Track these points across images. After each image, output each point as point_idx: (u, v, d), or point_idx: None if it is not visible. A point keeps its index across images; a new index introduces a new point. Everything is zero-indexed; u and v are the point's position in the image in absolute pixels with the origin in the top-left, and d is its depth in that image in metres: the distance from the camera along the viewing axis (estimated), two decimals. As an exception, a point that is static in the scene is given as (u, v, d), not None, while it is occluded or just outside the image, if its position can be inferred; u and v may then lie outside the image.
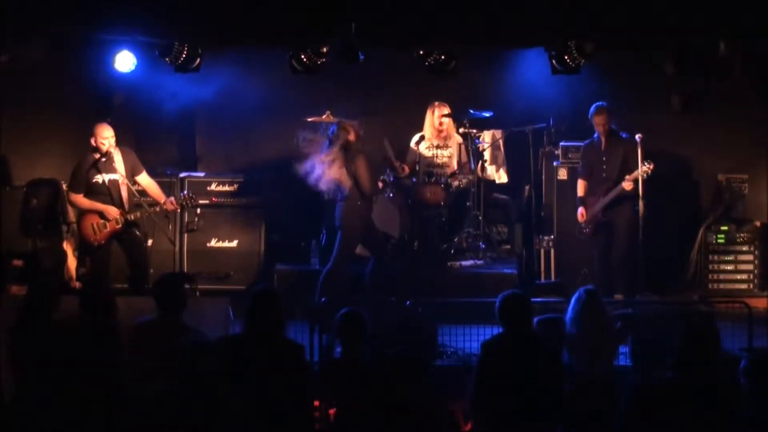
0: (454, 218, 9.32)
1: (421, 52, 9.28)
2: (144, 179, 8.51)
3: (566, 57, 9.16)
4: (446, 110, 9.22)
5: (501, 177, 9.62)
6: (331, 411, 5.55)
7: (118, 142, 8.37)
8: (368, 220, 8.38)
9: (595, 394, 5.63)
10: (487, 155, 9.31)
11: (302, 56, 9.23)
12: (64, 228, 9.09)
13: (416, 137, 9.25)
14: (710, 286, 9.27)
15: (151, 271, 8.46)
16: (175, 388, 4.81)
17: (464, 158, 9.25)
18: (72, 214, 8.95)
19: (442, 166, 9.30)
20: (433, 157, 9.30)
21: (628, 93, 9.41)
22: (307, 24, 8.36)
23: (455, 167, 9.23)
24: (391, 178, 8.87)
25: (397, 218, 9.24)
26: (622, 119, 8.97)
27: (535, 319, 6.03)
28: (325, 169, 8.22)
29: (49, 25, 8.45)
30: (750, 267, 9.27)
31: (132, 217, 8.25)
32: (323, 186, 8.34)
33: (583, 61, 9.12)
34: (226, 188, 9.61)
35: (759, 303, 8.46)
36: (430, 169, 9.27)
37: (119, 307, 6.04)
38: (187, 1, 8.40)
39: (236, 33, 8.87)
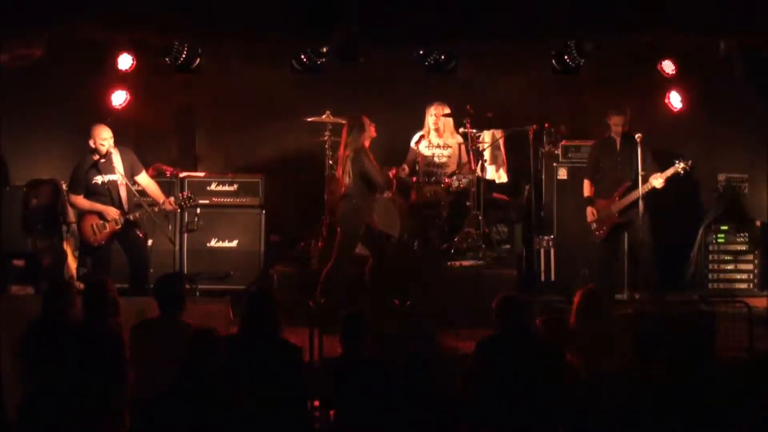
0: (454, 218, 9.32)
1: (421, 52, 9.30)
2: (143, 179, 8.50)
3: (566, 57, 9.18)
4: (446, 110, 9.22)
5: (501, 177, 9.61)
6: (332, 411, 5.55)
7: (118, 142, 8.37)
8: (370, 219, 8.37)
9: (596, 394, 5.63)
10: (487, 155, 9.30)
11: (302, 56, 9.25)
12: (64, 228, 9.09)
13: (416, 137, 9.25)
14: (710, 286, 9.26)
15: (151, 271, 8.46)
16: (176, 388, 4.80)
17: (464, 158, 9.25)
18: (72, 215, 8.95)
19: (442, 166, 9.29)
20: (432, 156, 9.30)
21: (628, 93, 9.40)
22: (307, 24, 8.36)
23: (455, 167, 9.23)
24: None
25: (397, 218, 9.24)
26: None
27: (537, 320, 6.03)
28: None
29: (49, 25, 8.45)
30: (750, 267, 9.26)
31: (132, 217, 8.25)
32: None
33: (583, 61, 9.14)
34: (226, 188, 9.61)
35: (759, 303, 8.44)
36: (430, 169, 9.26)
37: (121, 308, 6.05)
38: (187, 1, 8.40)
39: (236, 33, 8.88)
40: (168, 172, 9.30)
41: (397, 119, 9.63)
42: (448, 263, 8.99)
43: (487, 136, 9.40)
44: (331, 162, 9.22)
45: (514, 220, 9.81)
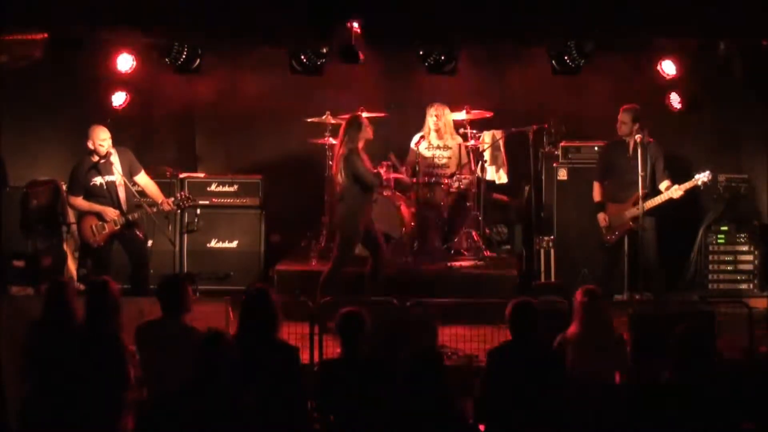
0: (454, 218, 9.32)
1: (421, 52, 9.30)
2: (142, 179, 8.49)
3: (566, 57, 9.18)
4: (446, 110, 9.22)
5: (501, 177, 9.61)
6: (331, 411, 5.54)
7: (118, 143, 8.37)
8: (368, 221, 8.36)
9: (597, 395, 5.63)
10: (487, 155, 9.30)
11: (302, 56, 9.25)
12: (64, 229, 9.09)
13: (416, 137, 9.25)
14: (710, 286, 9.25)
15: (151, 271, 8.47)
16: (186, 389, 4.80)
17: (464, 159, 9.25)
18: (72, 216, 8.95)
19: (442, 166, 9.29)
20: (433, 157, 9.30)
21: (628, 93, 9.40)
22: (307, 24, 8.36)
23: (455, 168, 9.23)
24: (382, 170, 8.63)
25: (397, 218, 9.24)
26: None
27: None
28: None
29: (50, 24, 8.45)
30: (750, 267, 9.25)
31: (131, 217, 8.25)
32: None
33: (583, 61, 9.14)
34: (226, 188, 9.61)
35: (759, 303, 8.45)
36: (430, 169, 9.26)
37: (122, 308, 6.04)
38: (187, 1, 8.41)
39: (236, 33, 8.88)
40: (168, 173, 9.30)
41: (397, 119, 9.63)
42: (448, 263, 8.99)
43: (487, 136, 9.40)
44: (330, 162, 9.22)
45: (514, 221, 9.81)
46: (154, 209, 8.33)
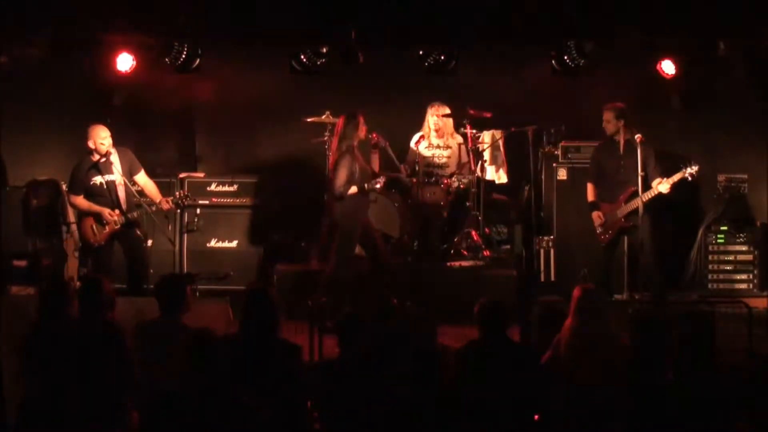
0: (454, 218, 9.32)
1: (421, 52, 9.30)
2: (141, 178, 8.49)
3: (566, 57, 9.18)
4: (446, 110, 9.22)
5: (501, 177, 9.61)
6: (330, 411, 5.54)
7: (118, 142, 8.37)
8: (365, 220, 8.35)
9: (597, 395, 5.63)
10: (487, 155, 9.30)
11: (302, 56, 9.25)
12: (64, 228, 9.09)
13: (416, 137, 9.25)
14: (710, 286, 9.25)
15: (151, 271, 8.47)
16: (177, 389, 4.80)
17: (464, 158, 9.25)
18: (72, 215, 8.95)
19: (442, 166, 9.29)
20: (432, 157, 9.30)
21: (628, 93, 9.40)
22: (307, 24, 8.37)
23: (455, 167, 9.23)
24: (377, 186, 8.60)
25: (397, 218, 9.24)
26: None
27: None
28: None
29: (50, 25, 8.45)
30: (750, 267, 9.26)
31: (131, 216, 8.25)
32: None
33: (583, 61, 9.14)
34: (226, 188, 9.61)
35: (759, 303, 8.45)
36: (429, 169, 9.26)
37: (120, 308, 6.04)
38: (187, 1, 8.41)
39: (236, 33, 8.88)
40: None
41: (397, 119, 9.64)
42: (448, 263, 8.99)
43: (487, 136, 9.40)
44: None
45: (514, 221, 9.81)
46: (153, 208, 8.33)
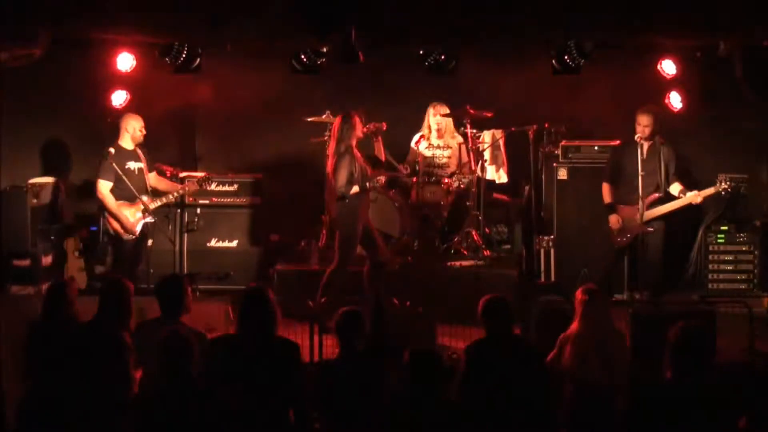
0: (454, 218, 9.32)
1: (421, 52, 9.30)
2: (153, 177, 8.68)
3: (566, 57, 9.18)
4: (445, 110, 9.22)
5: (501, 177, 9.61)
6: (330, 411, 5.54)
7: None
8: (365, 219, 8.35)
9: (598, 395, 5.63)
10: (487, 155, 9.30)
11: (302, 56, 9.25)
12: (64, 228, 9.10)
13: (416, 137, 9.26)
14: (710, 286, 9.26)
15: (152, 271, 8.48)
16: (169, 387, 4.81)
17: (464, 158, 9.25)
18: (70, 216, 8.97)
19: (442, 166, 9.30)
20: (433, 157, 9.31)
21: (628, 93, 9.40)
22: (307, 24, 8.36)
23: (455, 167, 9.23)
24: (378, 183, 8.53)
25: (397, 218, 9.24)
26: (621, 119, 8.96)
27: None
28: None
29: (50, 25, 8.44)
30: (750, 267, 9.26)
31: (159, 202, 8.49)
32: None
33: (583, 61, 9.14)
34: (226, 188, 9.62)
35: (759, 303, 8.45)
36: (430, 169, 9.27)
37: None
38: (187, 1, 8.40)
39: (236, 33, 8.88)
40: (168, 172, 9.31)
41: (397, 119, 9.63)
42: (448, 263, 8.99)
43: (487, 136, 9.40)
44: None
45: (514, 221, 9.81)
46: (176, 195, 8.68)
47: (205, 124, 10.50)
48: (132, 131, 8.41)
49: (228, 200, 9.60)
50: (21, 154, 9.61)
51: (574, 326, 5.91)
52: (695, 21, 8.21)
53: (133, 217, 8.31)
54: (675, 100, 9.50)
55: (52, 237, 8.95)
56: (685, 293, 9.15)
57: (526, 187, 9.63)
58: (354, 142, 8.15)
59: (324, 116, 9.28)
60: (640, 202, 8.23)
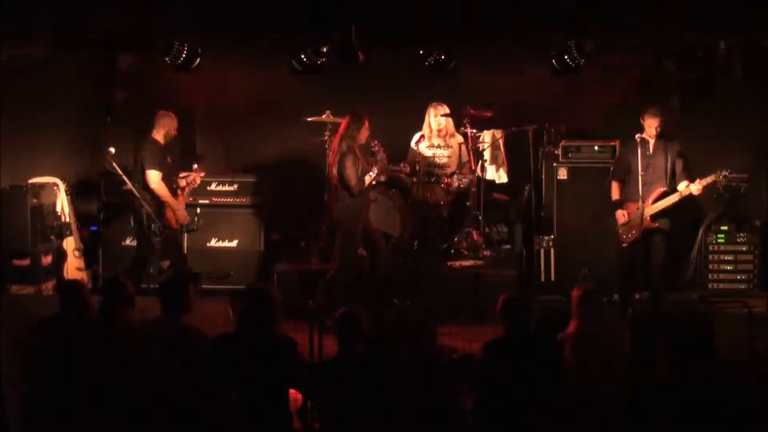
0: (454, 218, 9.32)
1: (421, 52, 9.31)
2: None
3: (566, 57, 9.18)
4: (445, 110, 9.22)
5: (501, 177, 9.62)
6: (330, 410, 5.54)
7: (119, 142, 8.39)
8: (366, 219, 8.35)
9: (598, 395, 5.64)
10: (487, 155, 9.31)
11: (302, 56, 9.26)
12: (64, 228, 9.09)
13: (416, 137, 9.25)
14: (710, 286, 9.25)
15: (152, 270, 8.48)
16: (169, 386, 4.82)
17: (464, 158, 9.25)
18: (66, 216, 8.97)
19: (442, 166, 9.30)
20: (433, 157, 9.30)
21: (628, 93, 9.40)
22: (307, 24, 8.36)
23: (455, 167, 9.23)
24: (372, 174, 8.31)
25: (397, 218, 9.24)
26: (622, 119, 8.96)
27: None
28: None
29: (50, 24, 8.45)
30: (750, 267, 9.26)
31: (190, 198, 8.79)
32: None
33: (583, 61, 9.14)
34: (226, 188, 9.62)
35: (759, 303, 8.44)
36: (430, 169, 9.27)
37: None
38: (187, 1, 8.41)
39: (236, 33, 8.88)
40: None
41: (397, 119, 9.64)
42: (448, 263, 8.99)
43: (487, 136, 9.41)
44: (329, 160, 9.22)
45: (514, 220, 9.81)
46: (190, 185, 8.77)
47: (205, 124, 10.50)
48: (167, 129, 8.40)
49: (228, 200, 9.60)
50: (21, 154, 9.60)
51: (572, 326, 5.91)
52: (695, 21, 8.22)
53: (182, 206, 8.41)
54: (675, 100, 9.49)
55: (52, 237, 8.94)
56: (685, 293, 9.14)
57: (526, 187, 9.64)
58: (356, 144, 8.14)
59: (324, 116, 9.28)
60: (640, 201, 8.22)
